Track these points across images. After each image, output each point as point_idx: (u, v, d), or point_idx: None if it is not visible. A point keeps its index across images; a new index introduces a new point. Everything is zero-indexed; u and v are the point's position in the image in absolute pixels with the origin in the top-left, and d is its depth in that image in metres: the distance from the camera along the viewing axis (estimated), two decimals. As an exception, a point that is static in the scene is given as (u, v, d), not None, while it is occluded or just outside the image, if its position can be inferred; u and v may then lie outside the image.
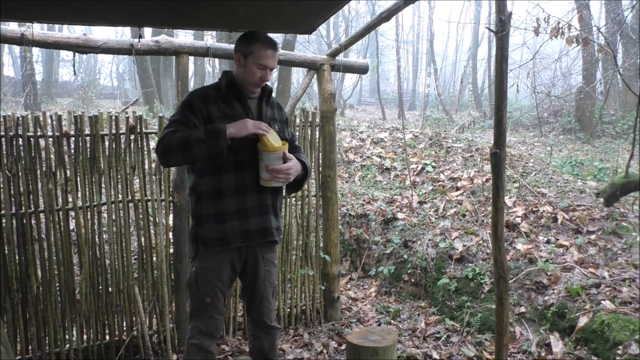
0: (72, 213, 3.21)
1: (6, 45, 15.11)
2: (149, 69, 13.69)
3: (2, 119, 2.93)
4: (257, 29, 2.44)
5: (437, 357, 3.44)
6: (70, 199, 3.19)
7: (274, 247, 2.57)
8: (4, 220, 3.00)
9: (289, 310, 3.93)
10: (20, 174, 3.00)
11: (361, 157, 7.26)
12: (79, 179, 3.17)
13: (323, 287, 4.00)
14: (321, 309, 4.02)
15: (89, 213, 3.21)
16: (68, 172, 3.14)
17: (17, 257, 3.03)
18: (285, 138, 2.49)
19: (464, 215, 4.95)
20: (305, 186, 3.91)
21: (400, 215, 5.09)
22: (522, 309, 3.67)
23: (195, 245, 2.43)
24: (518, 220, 4.55)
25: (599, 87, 11.86)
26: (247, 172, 2.36)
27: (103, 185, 3.25)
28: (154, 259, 3.43)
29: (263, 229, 2.42)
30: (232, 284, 2.70)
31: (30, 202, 3.05)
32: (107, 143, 3.21)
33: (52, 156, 3.12)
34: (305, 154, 2.80)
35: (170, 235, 3.50)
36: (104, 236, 3.30)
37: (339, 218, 4.74)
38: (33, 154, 3.03)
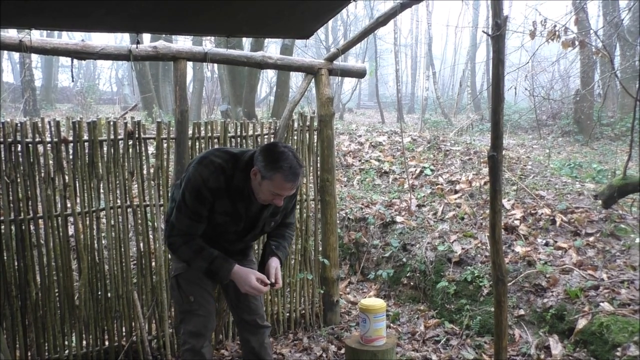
0: (71, 219, 3.21)
1: (5, 52, 15.13)
2: (147, 74, 13.71)
3: (1, 125, 2.94)
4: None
5: (437, 361, 3.44)
6: (69, 205, 3.20)
7: None
8: (2, 227, 3.00)
9: (288, 314, 3.92)
10: (19, 180, 3.01)
11: (360, 160, 7.26)
12: (77, 185, 3.18)
13: (322, 291, 4.00)
14: (320, 313, 4.02)
15: (87, 218, 3.21)
16: (67, 177, 3.14)
17: (16, 263, 3.03)
18: (276, 220, 2.52)
19: (462, 218, 4.95)
20: (304, 190, 3.92)
21: (399, 219, 5.10)
22: (521, 312, 3.67)
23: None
24: (516, 222, 4.55)
25: (597, 89, 11.88)
26: (237, 244, 2.51)
27: (102, 191, 3.26)
28: (153, 264, 3.43)
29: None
30: (216, 284, 2.70)
31: (29, 208, 3.06)
32: (105, 148, 3.22)
33: (50, 162, 3.12)
34: (295, 223, 2.81)
35: (169, 240, 3.50)
36: (103, 242, 3.30)
37: (338, 222, 4.74)
38: (32, 160, 3.03)
